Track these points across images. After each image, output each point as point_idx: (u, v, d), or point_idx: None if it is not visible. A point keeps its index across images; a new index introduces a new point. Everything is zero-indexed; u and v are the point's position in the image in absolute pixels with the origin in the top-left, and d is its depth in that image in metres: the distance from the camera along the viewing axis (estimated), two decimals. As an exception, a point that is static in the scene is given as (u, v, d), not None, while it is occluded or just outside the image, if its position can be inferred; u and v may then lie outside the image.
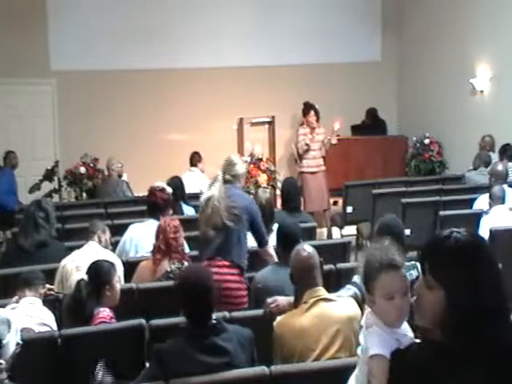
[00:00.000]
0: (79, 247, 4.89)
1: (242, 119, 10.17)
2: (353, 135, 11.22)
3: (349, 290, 3.64)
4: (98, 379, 3.42)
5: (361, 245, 7.94)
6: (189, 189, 7.65)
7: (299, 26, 11.43)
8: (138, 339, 3.71)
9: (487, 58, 9.64)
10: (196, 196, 7.78)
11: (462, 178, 8.26)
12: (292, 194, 6.29)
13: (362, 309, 3.16)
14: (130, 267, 4.87)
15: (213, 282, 3.32)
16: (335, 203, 9.79)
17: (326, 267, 4.18)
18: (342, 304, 3.40)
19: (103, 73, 10.80)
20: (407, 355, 1.85)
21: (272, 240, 4.78)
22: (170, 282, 4.32)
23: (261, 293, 4.16)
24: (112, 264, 4.06)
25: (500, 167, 7.07)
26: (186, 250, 4.92)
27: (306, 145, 8.87)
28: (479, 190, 7.21)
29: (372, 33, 12.03)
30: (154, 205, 5.53)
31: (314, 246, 3.67)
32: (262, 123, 10.39)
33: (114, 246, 5.35)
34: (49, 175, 9.68)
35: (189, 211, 6.82)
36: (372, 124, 11.41)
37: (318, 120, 9.09)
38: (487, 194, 6.40)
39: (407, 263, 3.44)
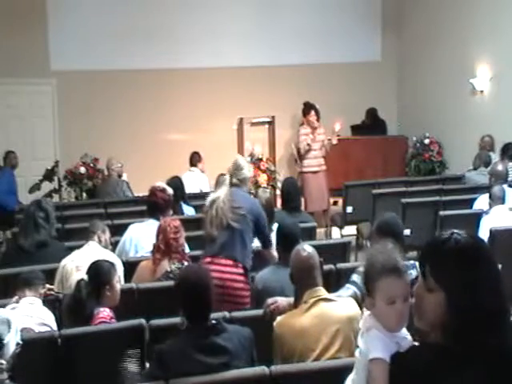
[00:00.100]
0: (79, 247, 4.89)
1: (242, 119, 10.17)
2: (353, 135, 11.22)
3: (348, 290, 3.65)
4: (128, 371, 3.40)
5: (361, 245, 7.95)
6: (189, 189, 7.65)
7: (299, 25, 11.44)
8: (138, 339, 3.71)
9: (487, 58, 9.64)
10: (196, 196, 7.81)
11: (462, 178, 8.26)
12: (292, 193, 6.29)
13: (361, 308, 3.16)
14: (130, 267, 4.86)
15: (212, 282, 3.33)
16: (335, 203, 9.80)
17: (326, 267, 4.19)
18: (342, 304, 3.40)
19: (103, 73, 10.80)
20: (407, 358, 1.84)
21: (272, 240, 4.79)
22: (170, 282, 4.31)
23: (261, 293, 4.17)
24: (112, 264, 4.07)
25: (500, 167, 7.06)
26: (186, 250, 4.92)
27: (308, 145, 8.90)
28: (479, 190, 7.21)
29: (372, 33, 12.03)
30: (154, 205, 5.52)
31: (314, 246, 3.67)
32: (262, 123, 10.38)
33: (113, 245, 5.35)
34: (49, 175, 9.68)
35: (189, 211, 6.81)
36: (372, 124, 11.41)
37: (318, 120, 9.12)
38: (487, 194, 6.40)
39: (406, 263, 3.44)
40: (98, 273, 3.92)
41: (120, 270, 4.60)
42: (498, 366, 1.72)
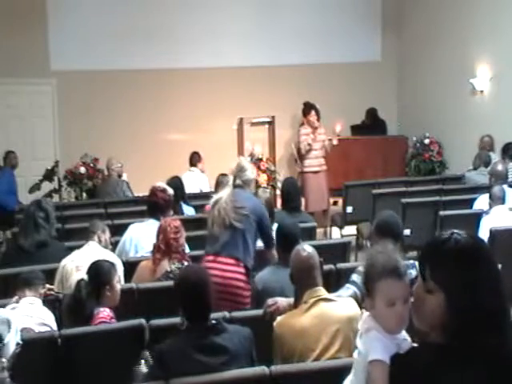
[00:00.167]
0: (79, 247, 4.89)
1: (241, 119, 10.17)
2: (353, 135, 11.22)
3: (348, 290, 3.64)
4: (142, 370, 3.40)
5: (361, 245, 7.95)
6: (188, 189, 7.65)
7: (299, 26, 11.44)
8: (137, 339, 3.70)
9: (487, 58, 9.64)
10: (196, 196, 7.81)
11: (462, 178, 8.26)
12: (292, 193, 6.29)
13: (361, 308, 3.16)
14: (130, 267, 4.86)
15: (211, 282, 3.33)
16: (335, 203, 9.81)
17: (326, 267, 4.18)
18: (341, 304, 3.40)
19: (103, 73, 10.81)
20: (407, 359, 1.84)
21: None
22: (170, 282, 4.30)
23: (261, 293, 4.17)
24: (112, 264, 4.07)
25: (500, 167, 7.06)
26: (187, 250, 4.92)
27: (309, 145, 8.91)
28: (479, 190, 7.20)
29: (372, 33, 12.04)
30: (154, 205, 5.52)
31: (314, 246, 3.67)
32: (262, 123, 10.38)
33: (113, 245, 5.35)
34: (49, 175, 9.68)
35: (189, 211, 6.81)
36: (372, 124, 11.42)
37: (318, 120, 9.13)
38: (487, 194, 6.40)
39: (406, 262, 3.44)
40: (98, 273, 3.92)
41: (120, 270, 4.60)
42: (498, 366, 1.72)
